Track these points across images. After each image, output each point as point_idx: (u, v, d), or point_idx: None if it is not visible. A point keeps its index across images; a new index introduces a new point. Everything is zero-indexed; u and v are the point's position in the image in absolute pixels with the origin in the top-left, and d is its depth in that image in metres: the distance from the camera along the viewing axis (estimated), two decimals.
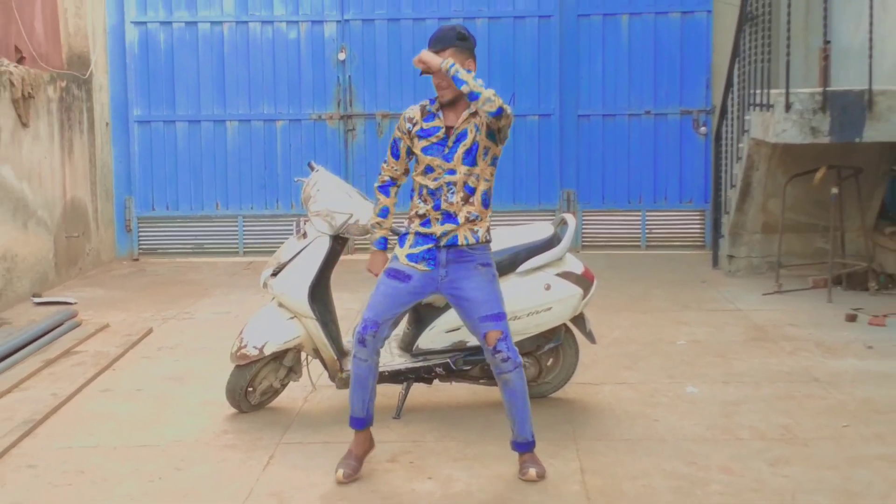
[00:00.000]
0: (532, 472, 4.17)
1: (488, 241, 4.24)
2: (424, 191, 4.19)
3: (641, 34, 9.72)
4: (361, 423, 4.31)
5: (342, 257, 5.19)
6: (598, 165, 9.86)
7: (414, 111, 4.27)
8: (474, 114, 4.15)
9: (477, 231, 4.18)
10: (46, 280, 8.31)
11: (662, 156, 9.80)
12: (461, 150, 4.14)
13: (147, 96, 9.91)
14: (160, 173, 9.96)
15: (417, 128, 4.23)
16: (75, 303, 7.64)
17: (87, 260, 9.23)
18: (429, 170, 4.19)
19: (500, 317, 4.16)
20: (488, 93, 4.01)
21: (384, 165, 4.39)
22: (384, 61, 9.80)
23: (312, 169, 5.15)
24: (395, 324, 4.34)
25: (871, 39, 6.87)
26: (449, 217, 4.16)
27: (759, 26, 7.88)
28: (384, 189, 4.41)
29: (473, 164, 4.16)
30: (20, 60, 8.14)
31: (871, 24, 6.89)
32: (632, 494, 4.03)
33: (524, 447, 4.23)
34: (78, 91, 9.13)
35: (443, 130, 4.18)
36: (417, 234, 4.20)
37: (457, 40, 4.15)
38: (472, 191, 4.17)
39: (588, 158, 9.85)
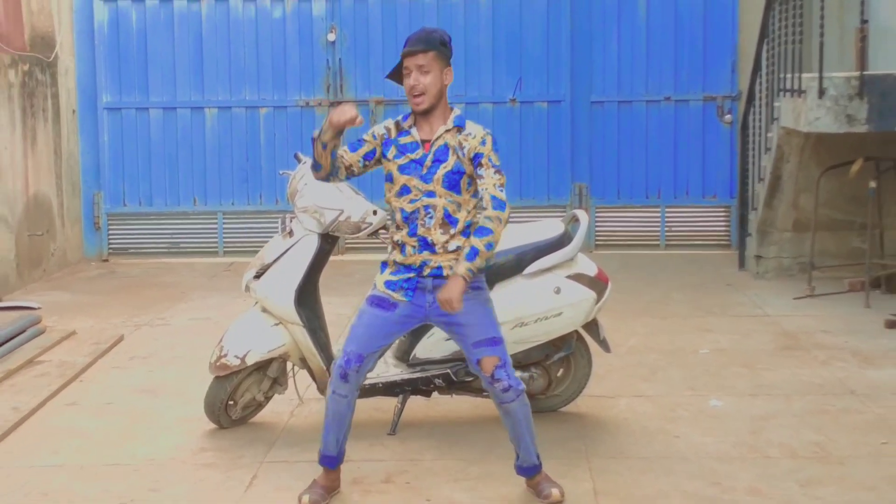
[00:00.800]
0: (555, 492, 4.15)
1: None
2: (398, 215, 4.12)
3: (661, 12, 9.72)
4: (334, 461, 4.26)
5: (332, 258, 5.20)
6: (613, 157, 9.87)
7: (389, 124, 4.18)
8: (451, 130, 4.07)
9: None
10: (7, 283, 8.31)
11: (683, 146, 9.80)
12: (441, 171, 4.05)
13: (118, 81, 9.91)
14: (132, 165, 9.97)
15: (393, 139, 4.13)
16: (39, 308, 7.64)
17: (51, 261, 9.23)
18: (405, 191, 4.09)
19: (495, 342, 4.10)
20: (497, 227, 3.96)
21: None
22: (378, 42, 9.81)
23: (299, 161, 5.16)
24: (381, 356, 4.32)
25: None
26: (426, 245, 4.08)
27: (789, 4, 7.88)
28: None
29: (456, 191, 4.07)
30: None
31: None
32: None
33: (532, 471, 4.23)
34: (42, 75, 9.14)
35: (421, 148, 4.09)
36: (395, 262, 4.16)
37: (439, 45, 4.06)
38: (454, 221, 4.08)
39: (602, 149, 9.86)
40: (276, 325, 4.98)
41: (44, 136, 9.17)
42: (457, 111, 4.16)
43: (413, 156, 4.09)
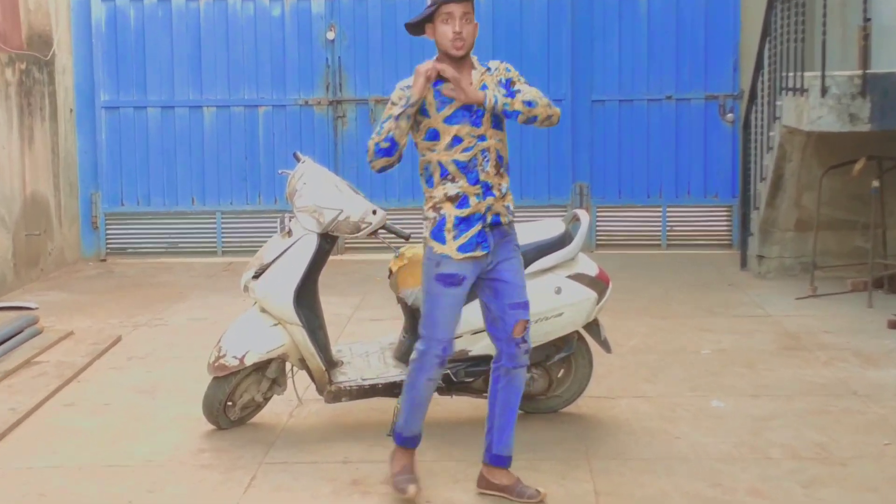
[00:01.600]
0: (542, 490, 4.20)
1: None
2: (452, 167, 4.10)
3: (662, 10, 9.72)
4: (416, 441, 4.38)
5: (331, 257, 5.20)
6: (614, 156, 9.87)
7: (412, 81, 4.16)
8: (482, 72, 4.18)
9: (509, 206, 4.20)
10: (4, 283, 8.32)
11: (685, 145, 9.81)
12: (487, 112, 4.11)
13: (115, 80, 9.92)
14: (130, 165, 9.97)
15: (430, 95, 4.12)
16: (36, 308, 7.65)
17: (49, 260, 9.24)
18: (456, 141, 4.10)
19: (527, 305, 4.21)
20: (544, 105, 4.13)
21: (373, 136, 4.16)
22: (377, 41, 9.81)
23: (298, 160, 5.17)
24: None
25: None
26: (488, 190, 4.12)
27: (791, 2, 7.88)
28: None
29: (500, 127, 4.17)
30: None
31: None
32: None
33: (508, 461, 4.26)
34: (39, 74, 9.15)
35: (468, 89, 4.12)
36: (457, 219, 4.10)
37: None
38: (501, 159, 4.18)
39: (603, 148, 9.86)
40: (275, 325, 4.98)
41: (41, 134, 9.17)
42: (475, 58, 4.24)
43: (458, 104, 4.10)
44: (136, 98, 9.93)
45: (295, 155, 5.25)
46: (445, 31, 4.12)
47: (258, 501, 4.30)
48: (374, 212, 4.98)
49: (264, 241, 5.38)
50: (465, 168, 4.11)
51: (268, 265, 4.97)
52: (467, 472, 4.50)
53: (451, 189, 4.11)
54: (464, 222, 4.10)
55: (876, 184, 7.51)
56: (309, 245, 4.96)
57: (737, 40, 9.67)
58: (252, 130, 9.95)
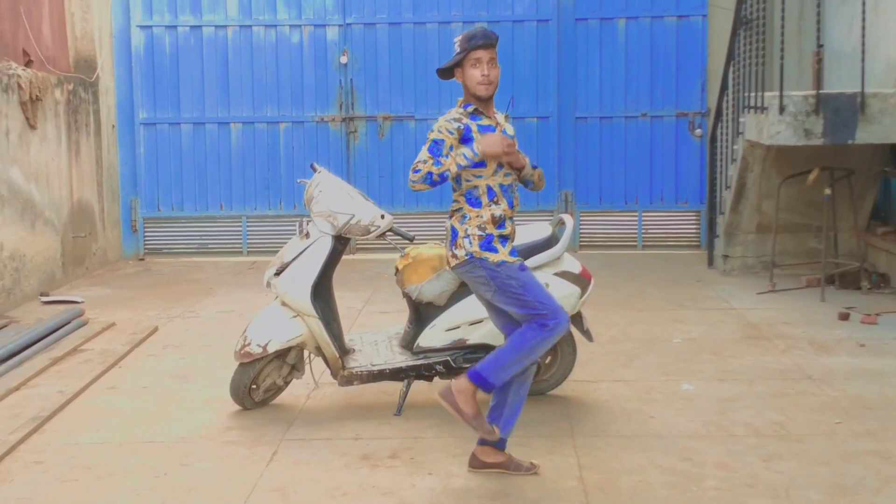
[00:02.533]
0: (535, 462, 4.24)
1: None
2: (498, 190, 4.10)
3: (638, 38, 9.72)
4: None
5: (344, 257, 5.20)
6: (596, 167, 9.86)
7: (458, 113, 4.13)
8: (505, 116, 4.27)
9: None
10: (54, 279, 8.31)
11: (658, 157, 9.80)
12: (517, 166, 4.18)
13: (152, 99, 9.91)
14: (165, 174, 9.96)
15: (474, 126, 4.08)
16: (82, 302, 7.65)
17: (93, 259, 9.23)
18: (500, 167, 4.12)
19: None
20: (543, 182, 4.27)
21: (421, 163, 3.99)
22: (385, 64, 9.80)
23: (315, 170, 5.16)
24: None
25: (863, 43, 6.87)
26: (511, 218, 4.19)
27: (753, 30, 7.87)
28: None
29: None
30: (28, 64, 8.14)
31: (863, 27, 6.89)
32: (628, 490, 4.03)
33: (506, 443, 4.25)
34: (84, 94, 9.14)
35: (498, 129, 4.15)
36: (501, 238, 4.10)
37: (496, 42, 4.14)
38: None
39: (585, 160, 9.85)
40: (295, 317, 4.97)
41: (86, 148, 9.16)
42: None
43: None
44: (171, 115, 9.92)
45: (312, 166, 5.24)
46: (474, 74, 4.08)
47: (279, 473, 4.29)
48: (383, 216, 4.97)
49: (285, 243, 5.38)
50: (506, 191, 4.14)
51: (288, 263, 4.96)
52: (465, 447, 4.49)
53: (497, 211, 4.10)
54: (504, 240, 4.11)
55: (828, 191, 7.50)
56: (324, 246, 4.95)
57: (704, 64, 9.66)
58: (274, 144, 9.94)
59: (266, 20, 9.85)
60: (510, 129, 4.24)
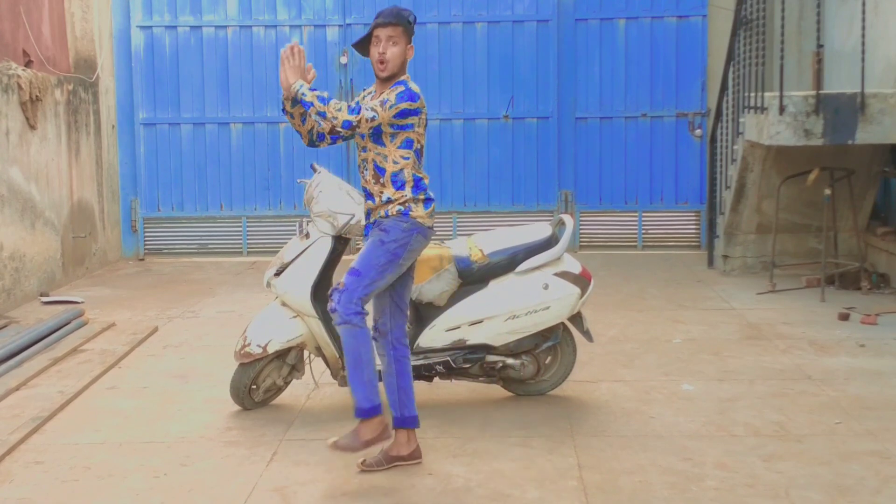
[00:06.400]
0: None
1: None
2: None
3: (638, 38, 9.72)
4: None
5: (344, 257, 5.19)
6: (596, 167, 9.86)
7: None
8: (392, 90, 4.15)
9: (388, 212, 4.19)
10: (54, 279, 8.31)
11: (658, 158, 9.80)
12: (361, 126, 4.09)
13: (152, 99, 9.91)
14: (165, 175, 9.96)
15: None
16: (82, 302, 7.65)
17: (93, 260, 9.23)
18: (364, 150, 4.25)
19: (352, 271, 4.14)
20: (324, 110, 4.00)
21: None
22: None
23: (315, 170, 5.16)
24: None
25: (863, 43, 6.87)
26: (368, 195, 4.25)
27: (753, 30, 7.88)
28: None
29: (380, 143, 4.16)
30: (28, 64, 8.14)
31: (863, 28, 6.89)
32: (628, 490, 4.03)
33: (361, 413, 4.20)
34: (85, 94, 9.14)
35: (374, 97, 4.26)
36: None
37: (407, 22, 4.17)
38: (383, 171, 4.17)
39: (585, 160, 9.86)
40: (294, 317, 4.97)
41: (87, 148, 9.16)
42: (406, 78, 4.20)
43: None
44: (171, 115, 9.92)
45: (312, 166, 5.24)
46: (373, 52, 4.16)
47: (279, 474, 4.29)
48: None
49: (285, 243, 5.37)
50: (358, 171, 4.31)
51: (288, 264, 4.96)
52: (464, 447, 4.50)
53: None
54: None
55: (828, 192, 7.50)
56: (324, 246, 4.95)
57: (704, 64, 9.66)
58: (274, 144, 9.94)
59: (266, 20, 9.86)
60: (391, 96, 4.09)
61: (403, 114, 4.10)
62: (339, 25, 9.80)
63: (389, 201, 4.17)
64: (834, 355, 5.93)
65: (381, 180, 4.17)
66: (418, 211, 4.18)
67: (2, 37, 7.82)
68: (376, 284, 4.13)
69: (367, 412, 4.16)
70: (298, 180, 5.55)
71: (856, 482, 4.05)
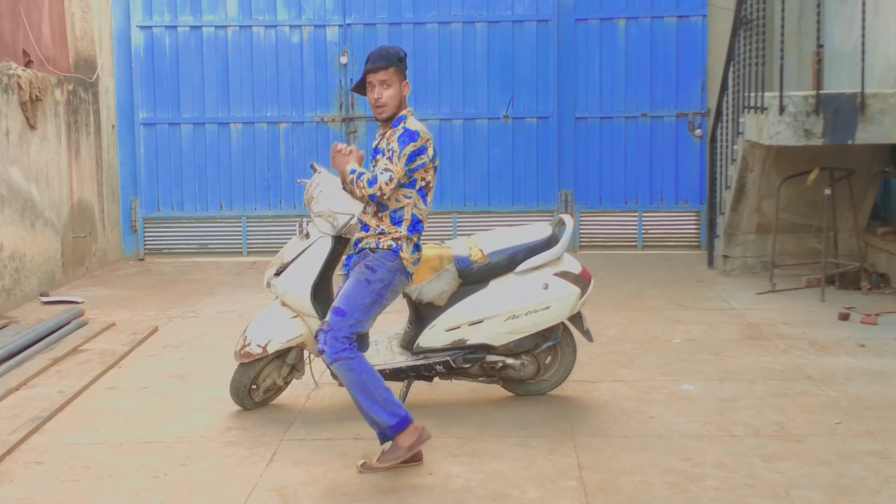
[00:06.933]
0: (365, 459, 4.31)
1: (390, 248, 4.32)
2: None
3: (638, 38, 9.72)
4: None
5: (344, 257, 5.19)
6: (596, 167, 9.86)
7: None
8: (387, 133, 4.29)
9: (379, 243, 4.32)
10: (54, 279, 8.31)
11: (658, 158, 9.80)
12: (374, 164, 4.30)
13: (152, 99, 9.92)
14: (165, 175, 9.97)
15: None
16: (82, 302, 7.65)
17: (93, 260, 9.23)
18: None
19: (336, 311, 4.23)
20: (355, 188, 4.23)
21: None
22: None
23: (315, 170, 5.16)
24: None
25: (863, 43, 6.87)
26: (364, 226, 4.39)
27: (753, 30, 7.88)
28: None
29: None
30: (28, 64, 8.15)
31: (863, 28, 6.89)
32: (628, 490, 4.03)
33: (381, 437, 4.24)
34: (85, 94, 9.14)
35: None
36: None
37: (397, 61, 4.25)
38: (385, 208, 4.31)
39: (585, 160, 9.86)
40: (294, 317, 4.97)
41: (87, 148, 9.16)
42: (407, 113, 4.30)
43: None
44: (171, 115, 9.93)
45: (312, 166, 5.24)
46: (369, 97, 4.28)
47: (279, 474, 4.29)
48: None
49: (285, 243, 5.37)
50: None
51: (288, 264, 4.96)
52: (464, 447, 4.50)
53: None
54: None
55: (828, 192, 7.50)
56: (324, 246, 4.95)
57: (704, 64, 9.66)
58: (274, 144, 9.94)
59: (266, 20, 9.86)
60: (394, 144, 4.22)
61: (412, 158, 4.22)
62: (339, 25, 9.80)
63: (383, 233, 4.30)
64: (834, 355, 5.93)
65: (381, 215, 4.33)
66: (406, 253, 4.33)
67: (2, 37, 7.82)
68: (361, 325, 4.27)
69: (397, 427, 4.19)
70: (298, 180, 5.54)
71: (856, 482, 4.05)
